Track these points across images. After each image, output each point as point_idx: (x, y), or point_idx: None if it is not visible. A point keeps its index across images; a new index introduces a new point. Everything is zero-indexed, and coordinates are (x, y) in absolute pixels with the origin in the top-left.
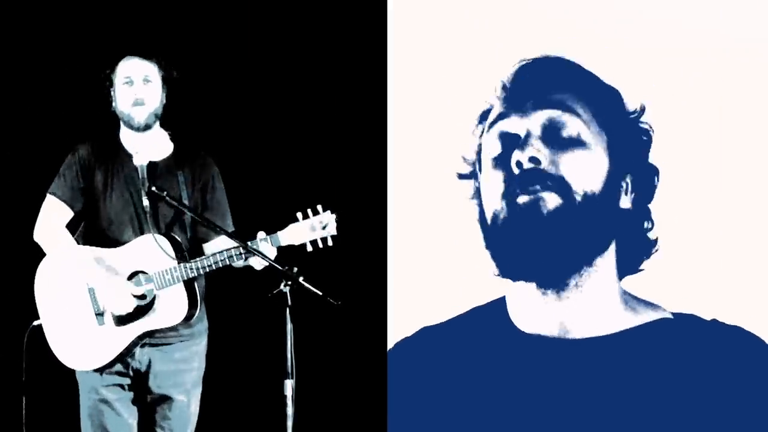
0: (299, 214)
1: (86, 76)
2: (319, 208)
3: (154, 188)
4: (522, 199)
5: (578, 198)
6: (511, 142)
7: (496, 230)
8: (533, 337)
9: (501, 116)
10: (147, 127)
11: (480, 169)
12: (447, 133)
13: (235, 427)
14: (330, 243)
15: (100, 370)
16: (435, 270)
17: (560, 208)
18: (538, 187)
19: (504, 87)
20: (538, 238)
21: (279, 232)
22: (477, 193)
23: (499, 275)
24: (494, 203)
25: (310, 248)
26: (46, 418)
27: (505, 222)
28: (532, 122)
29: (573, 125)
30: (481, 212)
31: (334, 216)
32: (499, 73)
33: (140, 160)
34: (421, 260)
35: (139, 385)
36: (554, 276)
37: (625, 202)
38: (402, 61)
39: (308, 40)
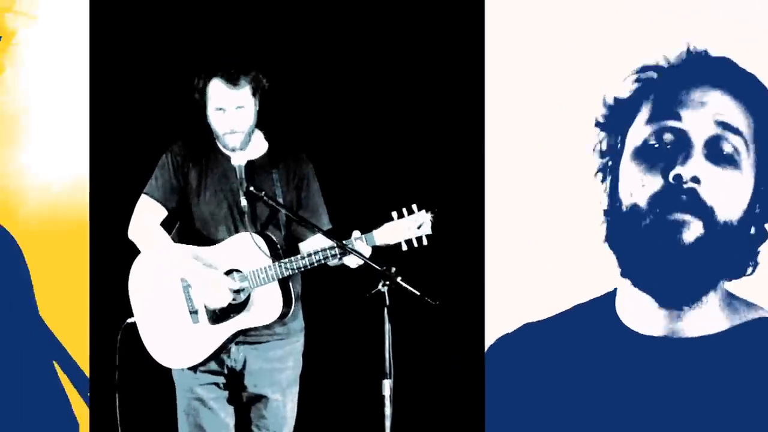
0: (394, 214)
1: (182, 76)
2: (414, 207)
3: (252, 188)
4: (672, 216)
5: (719, 227)
6: (672, 144)
7: (627, 228)
8: (641, 336)
9: (661, 108)
10: (241, 149)
11: (611, 158)
12: (544, 130)
13: (333, 428)
14: (425, 243)
15: (194, 368)
16: (531, 268)
17: (701, 238)
18: (688, 214)
19: (660, 71)
20: (671, 258)
21: (374, 231)
22: (610, 181)
23: (621, 275)
24: (633, 198)
25: (405, 248)
26: (140, 416)
27: (647, 229)
28: (698, 130)
29: (734, 142)
30: (612, 202)
31: (429, 215)
32: (597, 69)
33: (238, 160)
34: (518, 259)
35: (235, 383)
36: (677, 299)
37: (755, 227)
38: (499, 58)
39: (405, 36)
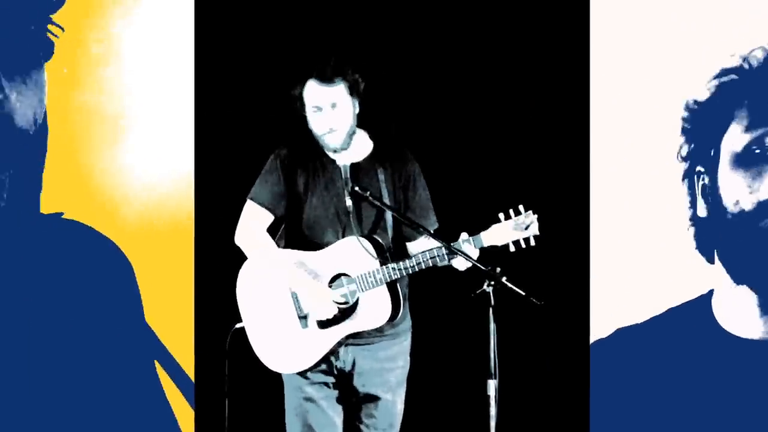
0: (501, 215)
1: (288, 76)
2: (521, 208)
3: (357, 188)
4: None
5: None
6: None
7: (737, 234)
8: (740, 339)
9: (758, 113)
10: (342, 149)
11: (700, 164)
12: (650, 131)
13: (439, 427)
14: (533, 243)
15: (304, 373)
16: (637, 270)
17: None
18: None
19: (741, 73)
20: None
21: (482, 233)
22: (702, 188)
23: (735, 281)
24: (740, 205)
25: (512, 249)
26: (249, 421)
27: (760, 233)
28: None
29: None
30: (711, 208)
31: (536, 216)
32: (706, 68)
33: (343, 161)
34: (624, 260)
35: (344, 384)
36: None
37: None
38: (605, 58)
39: (513, 34)
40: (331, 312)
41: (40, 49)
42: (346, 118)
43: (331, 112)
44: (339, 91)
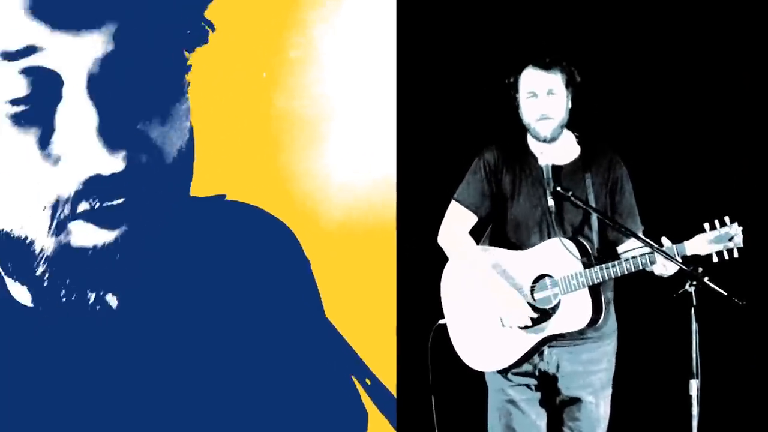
0: (706, 225)
1: (492, 80)
2: (727, 219)
3: (559, 188)
4: None
5: None
6: None
7: None
8: None
9: None
10: (552, 139)
11: None
12: None
13: (641, 427)
14: (736, 255)
15: (503, 372)
16: None
17: None
18: None
19: None
20: None
21: (686, 242)
22: None
23: None
24: None
25: (716, 259)
26: (455, 417)
27: None
28: None
29: None
30: None
31: (741, 228)
32: None
33: (545, 161)
34: None
35: (547, 386)
36: None
37: None
38: None
39: (730, 40)
40: (525, 321)
41: (182, 75)
42: (560, 107)
43: (545, 98)
44: (556, 79)
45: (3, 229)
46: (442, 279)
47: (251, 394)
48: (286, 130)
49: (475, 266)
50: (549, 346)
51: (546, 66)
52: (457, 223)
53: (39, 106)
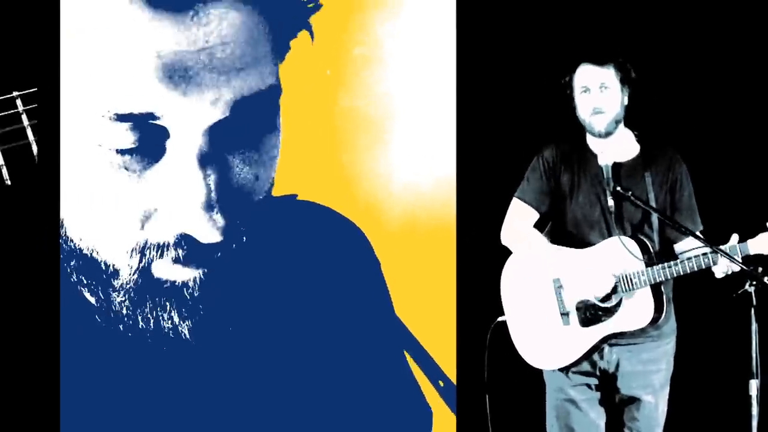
0: None
1: (551, 78)
2: None
3: (618, 188)
4: None
5: None
6: None
7: None
8: None
9: None
10: (608, 134)
11: None
12: None
13: (700, 427)
14: None
15: (564, 370)
16: None
17: None
18: None
19: None
20: None
21: (749, 241)
22: None
23: None
24: None
25: None
26: (511, 415)
27: None
28: None
29: None
30: None
31: None
32: None
33: (605, 160)
34: None
35: (607, 385)
36: None
37: None
38: None
39: None
40: (605, 289)
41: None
42: (614, 102)
43: (598, 93)
44: (609, 73)
45: (85, 251)
46: (502, 276)
47: (327, 393)
48: (350, 128)
49: (544, 251)
50: (609, 345)
51: (599, 61)
52: (519, 220)
53: (144, 157)
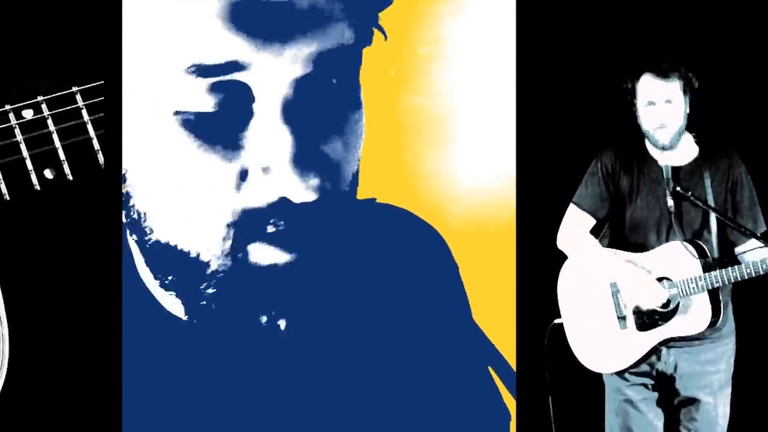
0: None
1: (613, 78)
2: None
3: (678, 188)
4: None
5: None
6: None
7: None
8: None
9: None
10: (671, 147)
11: None
12: None
13: (762, 429)
14: None
15: (620, 374)
16: None
17: None
18: None
19: None
20: None
21: None
22: None
23: None
24: None
25: None
26: (568, 415)
27: None
28: None
29: None
30: None
31: None
32: None
33: (665, 161)
34: None
35: (665, 386)
36: None
37: None
38: None
39: None
40: (659, 299)
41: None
42: (678, 115)
43: (664, 107)
44: (674, 87)
45: (171, 243)
46: (559, 279)
47: (411, 393)
48: (414, 127)
49: (600, 258)
50: (667, 347)
51: (664, 75)
52: (576, 226)
53: (227, 123)
